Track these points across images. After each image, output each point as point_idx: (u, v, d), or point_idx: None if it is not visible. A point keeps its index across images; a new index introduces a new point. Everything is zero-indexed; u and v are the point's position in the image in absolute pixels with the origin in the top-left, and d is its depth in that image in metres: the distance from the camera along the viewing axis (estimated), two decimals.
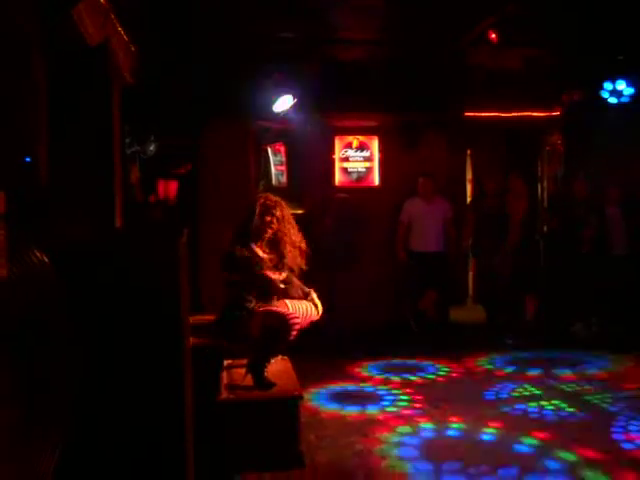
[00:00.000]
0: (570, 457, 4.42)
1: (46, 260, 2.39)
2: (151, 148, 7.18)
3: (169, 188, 7.50)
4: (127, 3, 4.61)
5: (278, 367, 4.69)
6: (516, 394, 5.87)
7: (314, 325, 4.78)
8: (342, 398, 5.81)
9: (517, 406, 5.53)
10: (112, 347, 2.89)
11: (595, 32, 6.64)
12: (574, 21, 6.39)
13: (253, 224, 4.70)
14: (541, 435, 4.83)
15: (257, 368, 4.45)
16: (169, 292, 2.98)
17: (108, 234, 3.62)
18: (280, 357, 4.85)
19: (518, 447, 4.63)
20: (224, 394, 4.26)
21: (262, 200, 4.84)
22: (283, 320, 4.42)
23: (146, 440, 3.08)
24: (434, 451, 4.60)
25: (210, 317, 4.79)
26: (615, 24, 6.44)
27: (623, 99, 7.53)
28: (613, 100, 7.55)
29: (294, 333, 4.48)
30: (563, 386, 6.06)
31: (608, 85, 7.49)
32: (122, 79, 5.01)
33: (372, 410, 5.44)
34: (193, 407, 3.43)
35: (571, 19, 6.38)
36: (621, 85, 7.44)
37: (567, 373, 6.45)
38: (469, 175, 9.57)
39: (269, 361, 4.52)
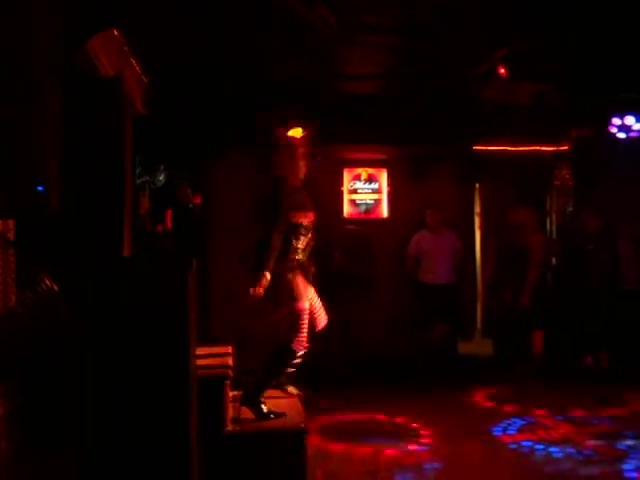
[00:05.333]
0: None
1: (55, 288, 2.39)
2: (160, 178, 7.22)
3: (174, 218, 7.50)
4: (140, 35, 4.68)
5: (287, 400, 4.65)
6: (524, 430, 5.81)
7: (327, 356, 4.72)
8: (352, 432, 5.74)
9: (523, 443, 5.47)
10: (121, 375, 2.88)
11: (603, 67, 6.69)
12: (582, 56, 6.44)
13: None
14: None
15: (252, 397, 4.41)
16: (177, 321, 2.98)
17: (118, 263, 3.63)
18: (292, 389, 4.80)
19: None
20: (229, 426, 4.22)
21: None
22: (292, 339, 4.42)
23: (150, 471, 3.05)
24: None
25: (218, 349, 4.76)
26: (623, 59, 6.48)
27: (632, 134, 7.56)
28: (622, 135, 7.58)
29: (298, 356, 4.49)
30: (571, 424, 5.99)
31: (617, 120, 7.52)
32: (134, 109, 5.06)
33: (380, 445, 5.38)
34: (198, 439, 3.40)
35: (580, 54, 6.43)
36: (630, 120, 7.47)
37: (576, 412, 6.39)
38: (477, 208, 9.57)
39: (264, 389, 4.48)
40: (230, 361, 4.55)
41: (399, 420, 6.19)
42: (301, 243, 4.56)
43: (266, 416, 4.35)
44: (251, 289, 4.40)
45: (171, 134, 7.13)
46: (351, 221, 8.71)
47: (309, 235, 4.63)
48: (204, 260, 7.43)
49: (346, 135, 7.93)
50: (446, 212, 8.25)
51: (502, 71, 6.49)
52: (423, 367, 7.66)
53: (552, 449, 5.30)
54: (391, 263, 8.42)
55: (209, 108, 7.30)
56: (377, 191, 8.83)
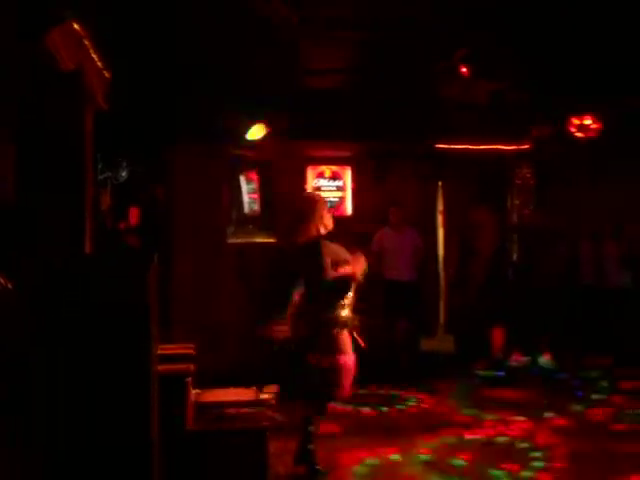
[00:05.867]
0: None
1: (9, 286, 2.35)
2: (123, 174, 7.14)
3: (136, 214, 7.43)
4: (101, 29, 4.62)
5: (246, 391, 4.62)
6: (485, 425, 5.89)
7: None
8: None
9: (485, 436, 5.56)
10: (80, 372, 2.85)
11: (563, 68, 6.79)
12: (543, 57, 6.53)
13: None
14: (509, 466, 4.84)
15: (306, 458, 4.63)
16: (138, 317, 2.95)
17: (79, 259, 3.58)
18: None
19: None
20: (190, 424, 4.19)
21: None
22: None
23: (111, 469, 3.02)
24: None
25: (178, 347, 4.71)
26: (583, 61, 6.59)
27: (590, 134, 7.69)
28: (580, 135, 7.71)
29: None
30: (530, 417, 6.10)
31: (575, 120, 7.65)
32: (95, 105, 4.99)
33: (339, 444, 5.39)
34: (160, 437, 3.38)
35: (540, 55, 6.53)
36: (588, 120, 7.60)
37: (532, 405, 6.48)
38: (440, 206, 9.65)
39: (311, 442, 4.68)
40: (192, 359, 4.51)
41: (359, 416, 6.26)
42: (347, 299, 4.68)
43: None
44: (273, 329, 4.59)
45: (133, 130, 7.05)
46: None
47: (354, 291, 4.71)
48: (169, 256, 7.37)
49: (310, 132, 7.95)
50: (409, 210, 8.32)
51: (464, 70, 6.55)
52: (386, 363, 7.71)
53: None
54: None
55: (171, 104, 7.23)
56: (341, 189, 8.86)
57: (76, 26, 4.05)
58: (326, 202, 4.97)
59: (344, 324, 4.66)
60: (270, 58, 6.88)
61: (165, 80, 6.96)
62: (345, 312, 4.67)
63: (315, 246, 4.62)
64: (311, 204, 4.82)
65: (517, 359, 8.09)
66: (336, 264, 4.62)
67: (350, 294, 4.69)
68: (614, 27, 6.17)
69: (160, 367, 3.83)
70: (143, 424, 2.97)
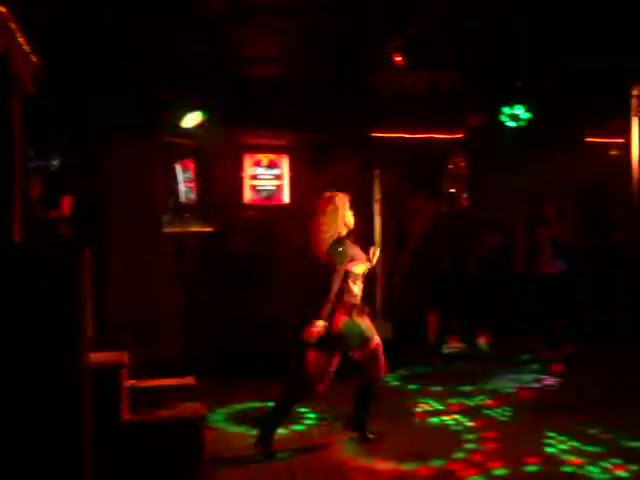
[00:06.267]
0: None
1: None
2: (55, 162, 6.97)
3: (69, 203, 7.25)
4: (29, 12, 4.48)
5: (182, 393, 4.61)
6: (419, 409, 6.01)
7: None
8: (248, 419, 5.75)
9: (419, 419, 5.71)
10: (5, 363, 2.78)
11: (495, 58, 6.93)
12: (475, 47, 6.65)
13: None
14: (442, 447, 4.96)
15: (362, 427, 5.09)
16: (67, 308, 2.90)
17: (6, 248, 3.49)
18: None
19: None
20: (125, 416, 4.15)
21: None
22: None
23: (43, 463, 2.97)
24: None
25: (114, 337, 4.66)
26: (513, 52, 6.74)
27: (521, 123, 7.87)
28: (512, 124, 7.88)
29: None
30: (465, 401, 6.24)
31: (507, 110, 7.81)
32: (22, 89, 4.85)
33: (279, 430, 5.41)
34: (94, 429, 3.33)
35: (472, 45, 6.65)
36: (519, 110, 7.78)
37: (468, 388, 6.65)
38: (377, 195, 9.73)
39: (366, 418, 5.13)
40: (126, 350, 4.46)
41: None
42: (358, 289, 5.06)
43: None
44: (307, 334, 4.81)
45: (66, 117, 6.88)
46: (252, 207, 8.69)
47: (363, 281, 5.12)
48: (103, 246, 7.23)
49: (246, 120, 7.90)
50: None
51: (398, 59, 6.62)
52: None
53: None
54: (293, 249, 8.46)
55: (104, 91, 7.07)
56: (278, 177, 8.84)
57: (1, 9, 3.93)
58: (347, 201, 5.16)
59: (361, 311, 5.06)
60: (206, 46, 6.82)
61: (99, 67, 6.81)
62: (357, 301, 5.06)
63: (339, 242, 4.96)
64: (334, 204, 5.05)
65: (453, 345, 8.27)
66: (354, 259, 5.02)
67: (359, 284, 5.09)
68: (545, 17, 6.31)
69: (93, 358, 3.78)
70: (73, 416, 2.92)
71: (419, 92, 7.89)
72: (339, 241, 4.97)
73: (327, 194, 5.16)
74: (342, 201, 5.11)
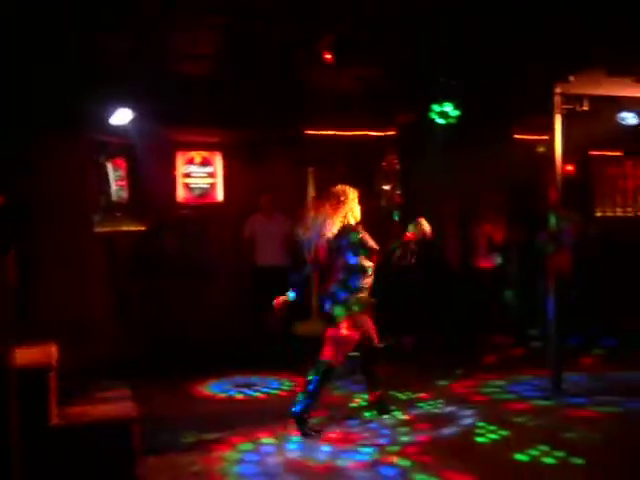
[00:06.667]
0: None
1: None
2: None
3: None
4: None
5: (115, 391, 4.56)
6: (354, 403, 6.10)
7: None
8: (181, 420, 5.69)
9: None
10: None
11: (425, 56, 7.03)
12: (398, 45, 6.74)
13: None
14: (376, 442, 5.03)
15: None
16: None
17: None
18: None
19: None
20: (54, 419, 4.06)
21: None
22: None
23: None
24: (274, 467, 4.64)
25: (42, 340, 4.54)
26: (435, 49, 6.85)
27: (450, 120, 8.00)
28: (441, 121, 8.01)
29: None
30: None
31: (436, 107, 7.93)
32: None
33: (212, 430, 5.37)
34: (21, 434, 3.26)
35: (402, 43, 6.73)
36: (448, 107, 7.91)
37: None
38: (312, 192, 9.76)
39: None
40: (54, 353, 4.37)
41: (232, 403, 6.29)
42: (366, 282, 5.30)
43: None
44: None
45: None
46: (185, 205, 8.61)
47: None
48: (31, 247, 7.04)
49: (178, 117, 7.82)
50: (281, 196, 8.37)
51: (328, 56, 6.64)
52: (259, 350, 7.77)
53: None
54: (227, 247, 8.43)
55: (30, 88, 6.88)
56: (212, 175, 8.78)
57: None
58: (356, 194, 5.39)
59: (364, 303, 5.32)
60: (136, 42, 6.71)
61: (26, 63, 6.63)
62: (364, 294, 5.32)
63: (350, 227, 5.26)
64: (342, 196, 5.31)
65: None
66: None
67: (369, 278, 5.28)
68: (479, 17, 6.40)
69: (20, 362, 3.70)
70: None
71: (350, 90, 7.94)
72: (356, 230, 5.25)
73: (338, 186, 5.40)
74: (354, 194, 5.37)
